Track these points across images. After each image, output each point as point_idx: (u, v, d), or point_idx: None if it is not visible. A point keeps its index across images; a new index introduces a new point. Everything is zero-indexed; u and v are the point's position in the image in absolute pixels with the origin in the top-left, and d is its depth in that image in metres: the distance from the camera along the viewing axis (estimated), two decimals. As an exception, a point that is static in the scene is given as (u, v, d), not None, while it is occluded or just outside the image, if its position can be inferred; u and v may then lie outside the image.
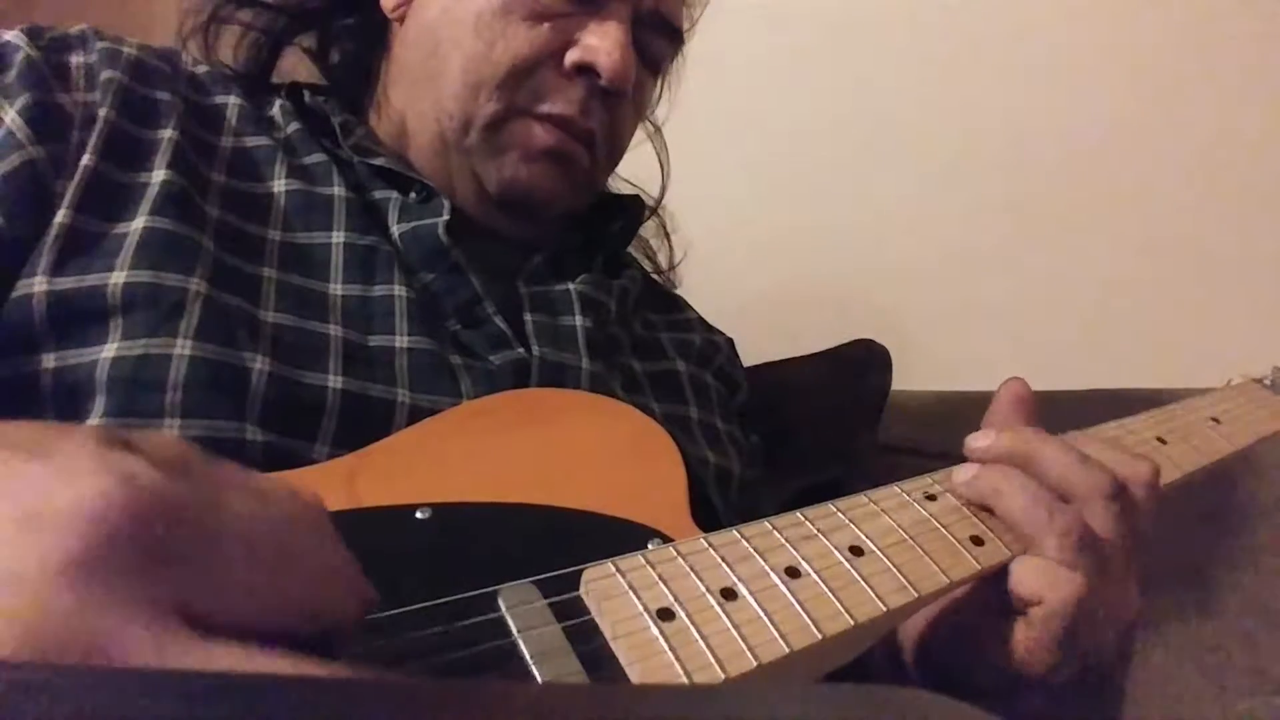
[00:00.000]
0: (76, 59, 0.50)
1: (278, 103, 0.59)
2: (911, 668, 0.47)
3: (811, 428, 0.81)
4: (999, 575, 0.41)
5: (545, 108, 0.56)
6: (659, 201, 0.77)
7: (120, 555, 0.19)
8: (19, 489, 0.19)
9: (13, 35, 0.49)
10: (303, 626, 0.22)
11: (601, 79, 0.55)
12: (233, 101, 0.56)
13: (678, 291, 0.79)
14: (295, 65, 0.65)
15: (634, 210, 0.70)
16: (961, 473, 0.43)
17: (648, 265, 0.78)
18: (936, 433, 0.79)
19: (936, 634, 0.45)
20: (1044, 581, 0.39)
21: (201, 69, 0.57)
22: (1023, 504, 0.41)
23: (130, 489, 0.20)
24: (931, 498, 0.42)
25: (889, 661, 0.48)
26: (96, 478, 0.19)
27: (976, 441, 0.44)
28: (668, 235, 0.79)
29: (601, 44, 0.55)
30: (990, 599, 0.41)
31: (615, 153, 0.64)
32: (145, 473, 0.20)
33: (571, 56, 0.55)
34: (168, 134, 0.49)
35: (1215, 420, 0.57)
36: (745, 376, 0.73)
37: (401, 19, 0.61)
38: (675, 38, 0.63)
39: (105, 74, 0.49)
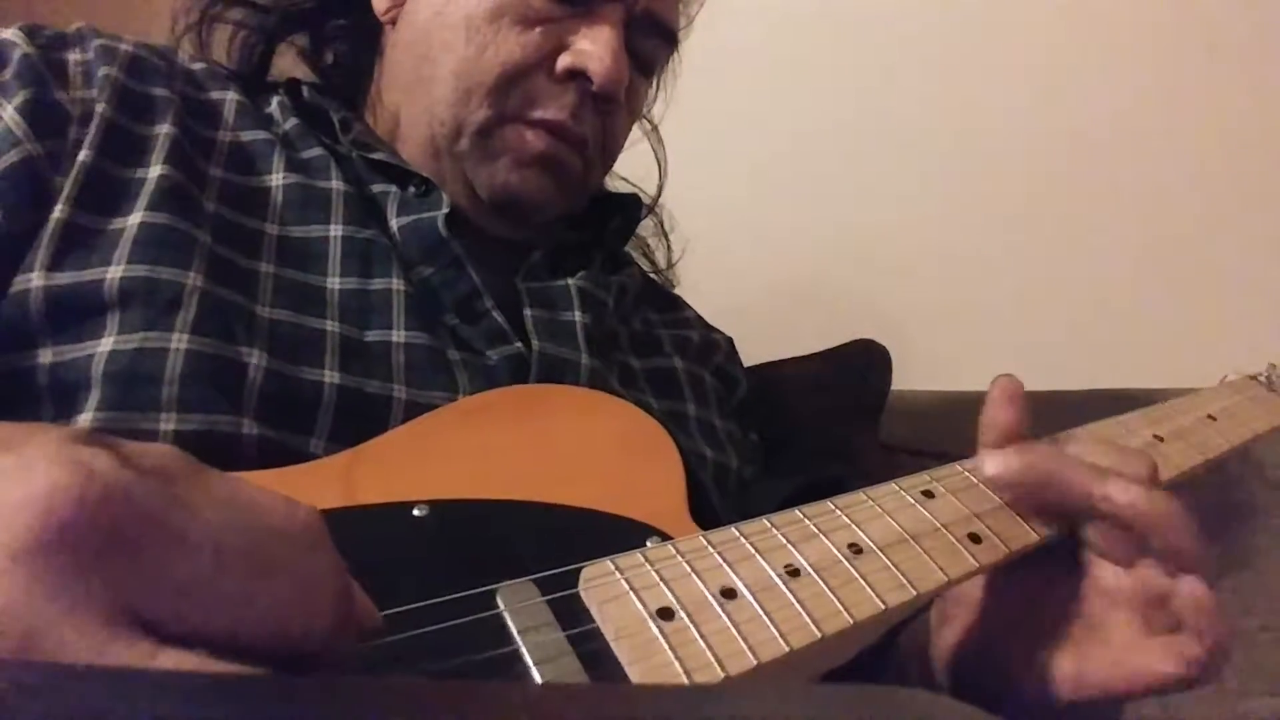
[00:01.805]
0: (74, 56, 0.50)
1: (275, 99, 0.59)
2: (943, 678, 0.46)
3: (811, 428, 0.80)
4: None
5: (537, 113, 0.55)
6: (656, 200, 0.76)
7: (69, 546, 0.19)
8: None
9: (10, 33, 0.49)
10: (281, 642, 0.21)
11: (593, 84, 0.54)
12: (230, 97, 0.55)
13: (676, 291, 0.78)
14: (293, 66, 0.65)
15: (631, 208, 0.70)
16: (1122, 493, 0.40)
17: (645, 264, 0.77)
18: (936, 433, 0.79)
19: (977, 638, 0.45)
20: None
21: (199, 65, 0.57)
22: (1181, 537, 0.39)
23: (83, 480, 0.19)
24: (929, 495, 0.42)
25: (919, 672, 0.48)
26: (53, 467, 0.19)
27: (987, 470, 0.43)
28: (665, 234, 0.79)
29: (593, 49, 0.54)
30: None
31: (608, 157, 0.63)
32: (105, 467, 0.20)
33: (563, 62, 0.55)
34: (165, 129, 0.49)
35: (1212, 418, 0.57)
36: (745, 375, 0.73)
37: (393, 21, 0.60)
38: (669, 39, 0.63)
39: (102, 71, 0.49)
